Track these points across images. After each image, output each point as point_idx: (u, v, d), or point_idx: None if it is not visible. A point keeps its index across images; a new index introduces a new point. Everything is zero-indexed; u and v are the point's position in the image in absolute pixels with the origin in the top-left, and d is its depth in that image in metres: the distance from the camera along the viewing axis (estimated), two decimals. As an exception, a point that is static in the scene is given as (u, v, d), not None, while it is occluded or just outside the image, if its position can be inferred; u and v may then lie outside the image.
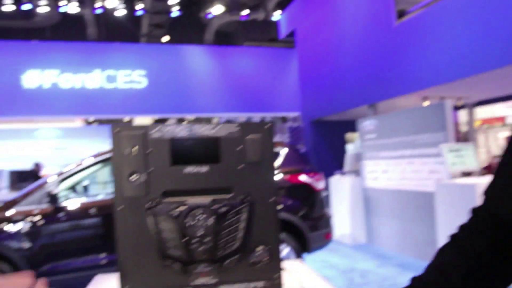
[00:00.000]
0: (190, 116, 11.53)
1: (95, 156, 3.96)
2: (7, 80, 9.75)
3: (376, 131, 6.05)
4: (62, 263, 3.56)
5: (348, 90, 7.92)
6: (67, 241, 3.65)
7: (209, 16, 14.47)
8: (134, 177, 0.82)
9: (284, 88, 11.45)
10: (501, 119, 10.21)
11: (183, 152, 0.84)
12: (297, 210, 3.95)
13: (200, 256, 0.82)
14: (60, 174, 3.86)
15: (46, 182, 3.82)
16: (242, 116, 11.99)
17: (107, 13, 13.92)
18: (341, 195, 6.55)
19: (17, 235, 3.49)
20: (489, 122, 10.48)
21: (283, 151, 4.18)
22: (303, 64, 10.15)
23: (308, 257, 4.35)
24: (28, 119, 10.58)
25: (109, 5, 13.68)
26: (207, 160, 0.85)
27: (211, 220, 0.82)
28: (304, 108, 10.19)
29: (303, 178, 4.08)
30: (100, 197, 4.18)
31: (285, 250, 3.82)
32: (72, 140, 10.72)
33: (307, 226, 3.95)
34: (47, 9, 13.16)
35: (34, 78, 10.00)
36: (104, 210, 3.73)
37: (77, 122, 12.37)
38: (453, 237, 0.62)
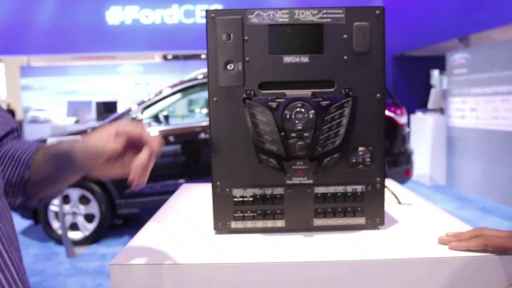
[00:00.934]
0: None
1: (172, 86, 4.06)
2: (93, 17, 10.15)
3: (467, 66, 5.56)
4: (145, 187, 3.79)
5: (436, 21, 7.27)
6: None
7: None
8: (230, 67, 0.77)
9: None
10: None
11: (283, 40, 0.77)
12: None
13: (297, 152, 0.76)
14: (141, 103, 4.02)
15: (130, 110, 4.01)
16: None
17: None
18: (422, 134, 6.24)
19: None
20: None
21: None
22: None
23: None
24: (112, 55, 11.06)
25: None
26: (308, 49, 0.77)
27: (311, 114, 0.76)
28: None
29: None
30: (180, 125, 4.32)
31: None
32: (151, 75, 11.13)
33: (387, 161, 3.82)
34: None
35: (116, 15, 10.31)
36: (183, 137, 3.87)
37: (156, 58, 12.75)
38: None
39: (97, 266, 3.35)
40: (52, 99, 10.75)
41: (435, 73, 9.39)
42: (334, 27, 0.76)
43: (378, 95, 0.78)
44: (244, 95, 0.77)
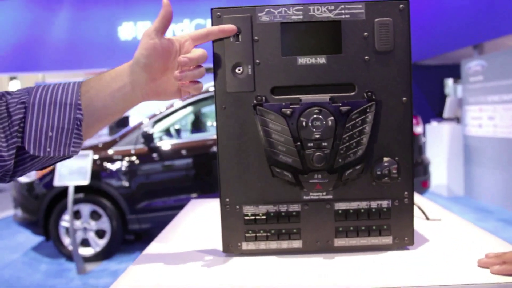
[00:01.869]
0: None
1: (183, 99, 4.02)
2: (105, 33, 10.26)
3: (483, 73, 5.43)
4: (156, 201, 3.73)
5: (449, 29, 7.17)
6: (161, 180, 3.81)
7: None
8: (238, 70, 0.70)
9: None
10: None
11: (297, 39, 0.70)
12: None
13: (315, 164, 0.68)
14: (152, 116, 3.98)
15: (141, 124, 3.97)
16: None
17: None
18: (438, 144, 6.11)
19: (116, 173, 3.70)
20: None
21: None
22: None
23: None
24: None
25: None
26: (325, 49, 0.70)
27: (330, 121, 0.68)
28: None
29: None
30: (192, 139, 4.28)
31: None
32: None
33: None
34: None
35: (129, 30, 10.41)
36: (195, 151, 3.81)
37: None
38: None
39: (108, 283, 3.28)
40: (65, 114, 10.85)
41: (449, 81, 9.25)
42: (354, 24, 0.69)
43: (404, 98, 0.70)
44: (255, 101, 0.70)
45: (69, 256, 3.73)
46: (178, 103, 4.00)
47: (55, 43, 10.03)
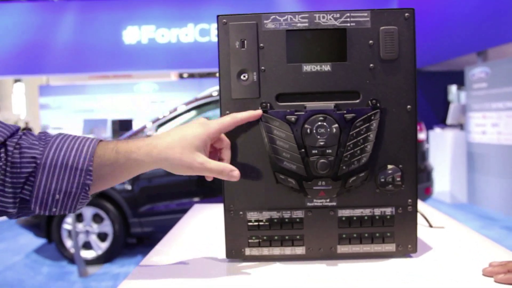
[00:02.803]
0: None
1: (187, 103, 4.03)
2: (110, 37, 10.30)
3: (487, 80, 5.43)
4: (158, 205, 3.74)
5: (453, 36, 7.17)
6: (163, 184, 3.81)
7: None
8: (244, 77, 0.70)
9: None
10: None
11: (302, 47, 0.70)
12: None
13: (319, 171, 0.68)
14: (156, 120, 3.99)
15: (145, 127, 3.98)
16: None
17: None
18: (441, 150, 6.09)
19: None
20: None
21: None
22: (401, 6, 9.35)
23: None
24: (128, 73, 11.19)
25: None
26: (330, 57, 0.70)
27: (334, 129, 0.68)
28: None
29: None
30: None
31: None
32: (167, 94, 11.20)
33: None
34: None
35: (133, 34, 10.45)
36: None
37: (172, 77, 12.86)
38: None
39: (110, 286, 3.27)
40: (69, 117, 10.89)
41: (453, 88, 9.24)
42: (359, 32, 0.69)
43: (409, 106, 0.70)
44: (260, 108, 0.70)
45: (71, 259, 3.73)
46: (181, 107, 4.01)
47: (59, 46, 10.08)
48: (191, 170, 0.63)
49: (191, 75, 13.74)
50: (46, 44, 10.04)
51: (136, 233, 3.82)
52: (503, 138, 5.13)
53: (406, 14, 0.69)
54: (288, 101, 0.70)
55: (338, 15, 0.69)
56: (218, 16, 0.70)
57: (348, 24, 0.69)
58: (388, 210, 0.71)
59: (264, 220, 0.72)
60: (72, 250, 3.63)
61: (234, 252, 0.72)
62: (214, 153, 0.69)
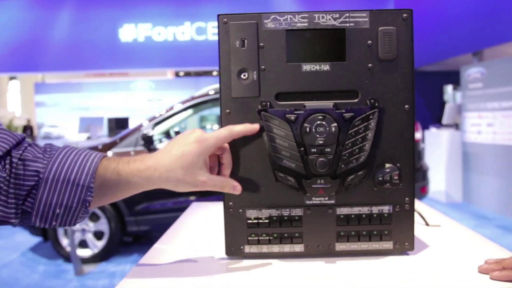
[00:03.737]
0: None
1: (183, 102, 4.03)
2: (106, 34, 10.26)
3: (482, 80, 5.46)
4: (155, 204, 3.74)
5: (449, 36, 7.20)
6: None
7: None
8: (244, 76, 0.71)
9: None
10: None
11: (302, 46, 0.71)
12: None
13: (318, 170, 0.69)
14: (152, 119, 3.99)
15: (141, 126, 3.98)
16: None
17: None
18: (437, 150, 6.12)
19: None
20: None
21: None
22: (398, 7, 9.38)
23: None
24: (124, 71, 11.16)
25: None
26: (329, 56, 0.71)
27: (333, 128, 0.69)
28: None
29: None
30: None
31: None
32: (163, 92, 11.18)
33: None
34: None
35: (129, 32, 10.42)
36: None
37: (168, 75, 12.84)
38: None
39: (106, 284, 3.27)
40: (65, 115, 10.85)
41: (449, 88, 9.28)
42: (358, 32, 0.70)
43: (407, 106, 0.71)
44: (260, 106, 0.71)
45: (67, 257, 3.72)
46: (178, 105, 4.00)
47: (55, 44, 10.03)
48: (194, 187, 0.64)
49: (188, 74, 13.71)
50: (42, 42, 10.00)
51: (132, 231, 3.82)
52: (498, 138, 5.16)
53: (404, 15, 0.70)
54: (288, 100, 0.71)
55: (337, 15, 0.70)
56: (218, 15, 0.71)
57: (347, 24, 0.70)
58: (386, 208, 0.72)
59: (263, 218, 0.72)
60: (68, 249, 3.63)
61: (234, 250, 0.73)
62: (214, 157, 0.70)
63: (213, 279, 0.65)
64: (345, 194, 0.72)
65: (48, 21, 10.06)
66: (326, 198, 0.72)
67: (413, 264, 0.69)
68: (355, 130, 0.69)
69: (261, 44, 0.70)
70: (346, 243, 0.73)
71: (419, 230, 0.88)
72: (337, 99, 0.71)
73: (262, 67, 0.71)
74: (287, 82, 0.71)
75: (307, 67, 0.71)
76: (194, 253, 0.78)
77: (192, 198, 3.76)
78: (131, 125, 6.38)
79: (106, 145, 3.87)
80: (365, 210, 0.72)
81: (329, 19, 0.70)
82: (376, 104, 0.71)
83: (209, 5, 10.68)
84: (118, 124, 6.76)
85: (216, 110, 4.09)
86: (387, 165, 0.71)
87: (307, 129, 0.69)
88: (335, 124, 0.69)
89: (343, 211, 0.72)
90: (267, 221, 0.72)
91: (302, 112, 0.70)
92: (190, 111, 4.13)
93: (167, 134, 4.23)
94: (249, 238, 0.73)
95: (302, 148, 0.69)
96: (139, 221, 3.75)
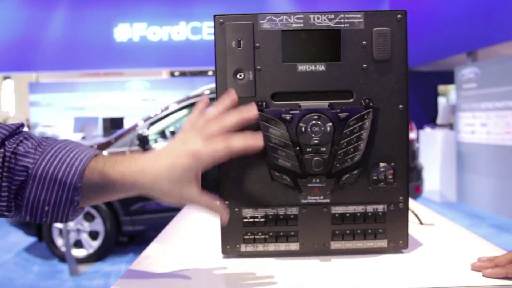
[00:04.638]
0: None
1: (178, 102, 4.03)
2: (101, 34, 10.23)
3: (476, 80, 5.49)
4: (150, 203, 3.73)
5: (444, 36, 7.24)
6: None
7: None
8: (240, 76, 0.72)
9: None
10: None
11: (297, 47, 0.72)
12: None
13: (313, 169, 0.70)
14: (147, 119, 3.98)
15: (136, 125, 3.97)
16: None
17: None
18: (431, 149, 6.15)
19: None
20: None
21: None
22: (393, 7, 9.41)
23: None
24: (119, 71, 11.12)
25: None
26: (324, 57, 0.72)
27: (328, 127, 0.70)
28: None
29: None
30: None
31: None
32: (158, 92, 11.16)
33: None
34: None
35: (124, 32, 10.39)
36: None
37: (163, 75, 12.81)
38: None
39: (101, 284, 3.27)
40: (60, 115, 10.80)
41: (442, 88, 9.33)
42: (353, 33, 0.71)
43: (401, 106, 0.72)
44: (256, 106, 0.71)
45: (62, 257, 3.71)
46: (173, 105, 4.00)
47: (50, 43, 9.99)
48: (181, 201, 0.61)
49: (183, 74, 13.69)
50: (36, 41, 9.95)
51: (127, 231, 3.82)
52: (492, 138, 5.20)
53: (399, 16, 0.71)
54: (283, 100, 0.72)
55: (332, 16, 0.71)
56: (215, 16, 0.71)
57: (342, 25, 0.71)
58: (380, 207, 0.73)
59: (259, 217, 0.73)
60: (63, 249, 3.62)
61: (230, 248, 0.74)
62: None
63: (209, 278, 0.65)
64: (340, 193, 0.73)
65: (42, 21, 10.01)
66: (322, 197, 0.73)
67: (407, 262, 0.70)
68: (350, 130, 0.70)
69: (257, 44, 0.71)
70: (341, 241, 0.73)
71: (413, 228, 0.89)
72: (332, 99, 0.71)
73: (258, 67, 0.71)
74: (282, 82, 0.72)
75: (302, 67, 0.71)
76: (190, 252, 0.78)
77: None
78: (126, 125, 6.36)
79: (101, 145, 3.87)
80: (360, 209, 0.73)
81: (324, 20, 0.71)
82: (371, 104, 0.71)
83: (204, 5, 10.67)
84: (113, 124, 6.74)
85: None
86: (382, 164, 0.72)
87: (303, 129, 0.70)
88: (330, 123, 0.70)
89: (338, 210, 0.73)
90: (263, 220, 0.73)
91: (298, 112, 0.70)
92: (185, 111, 4.13)
93: (162, 134, 4.22)
94: (245, 236, 0.73)
95: (298, 148, 0.70)
96: (135, 221, 3.75)
